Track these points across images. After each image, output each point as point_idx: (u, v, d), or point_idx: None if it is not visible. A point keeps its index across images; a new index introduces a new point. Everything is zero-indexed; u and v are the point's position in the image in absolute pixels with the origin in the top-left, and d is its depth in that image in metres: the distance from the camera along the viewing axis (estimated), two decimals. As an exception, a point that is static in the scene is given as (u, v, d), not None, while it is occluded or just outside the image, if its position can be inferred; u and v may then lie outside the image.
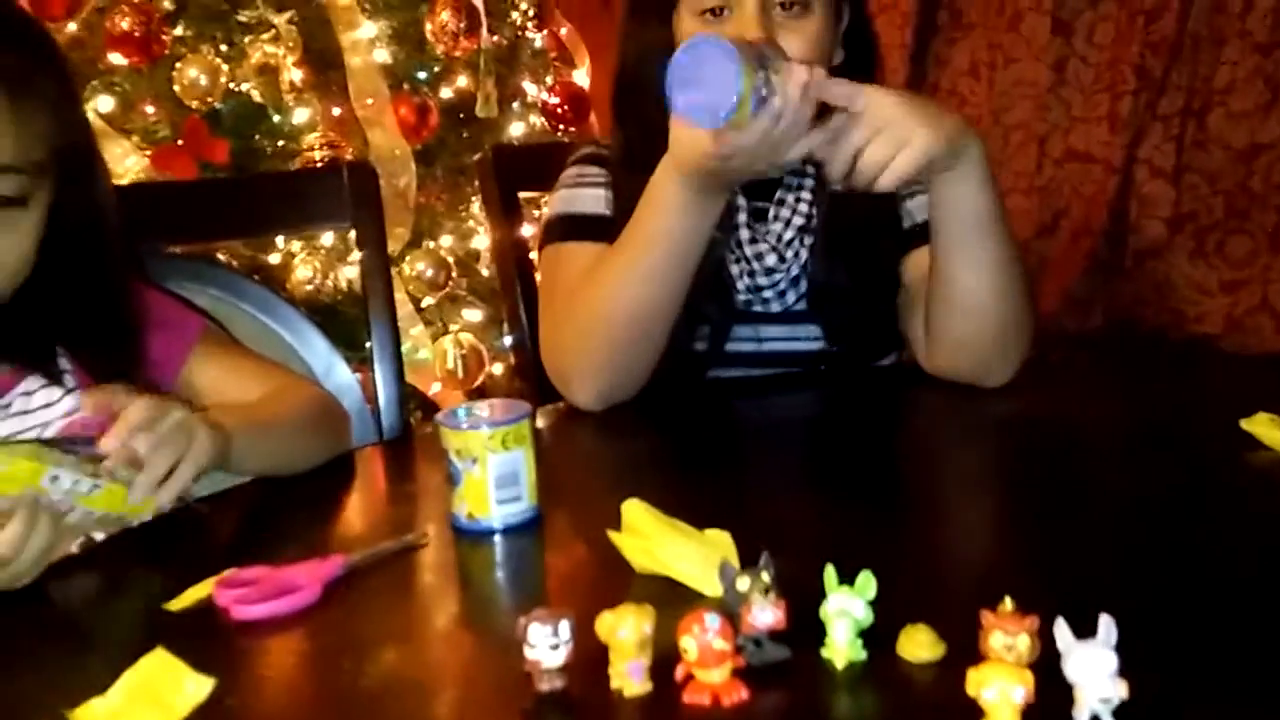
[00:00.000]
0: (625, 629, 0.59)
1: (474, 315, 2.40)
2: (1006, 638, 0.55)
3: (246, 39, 2.18)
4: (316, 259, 2.20)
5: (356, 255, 1.38)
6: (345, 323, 1.93)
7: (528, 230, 1.63)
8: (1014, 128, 2.63)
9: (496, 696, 0.63)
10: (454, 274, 2.32)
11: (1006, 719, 0.53)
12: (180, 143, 2.12)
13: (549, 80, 2.53)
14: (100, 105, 2.11)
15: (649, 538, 0.75)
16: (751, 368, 1.26)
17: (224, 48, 2.18)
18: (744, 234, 1.25)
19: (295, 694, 0.67)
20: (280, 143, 2.20)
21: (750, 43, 0.97)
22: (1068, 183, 2.56)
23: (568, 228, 1.25)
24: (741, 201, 1.25)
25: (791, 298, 1.26)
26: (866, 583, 0.61)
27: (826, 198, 1.24)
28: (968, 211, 1.07)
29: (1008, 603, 0.56)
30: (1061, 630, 0.54)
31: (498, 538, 0.84)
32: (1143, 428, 1.07)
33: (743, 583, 0.61)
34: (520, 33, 2.52)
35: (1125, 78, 2.46)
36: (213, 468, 0.89)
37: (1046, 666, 0.54)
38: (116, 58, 2.12)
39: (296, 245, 2.21)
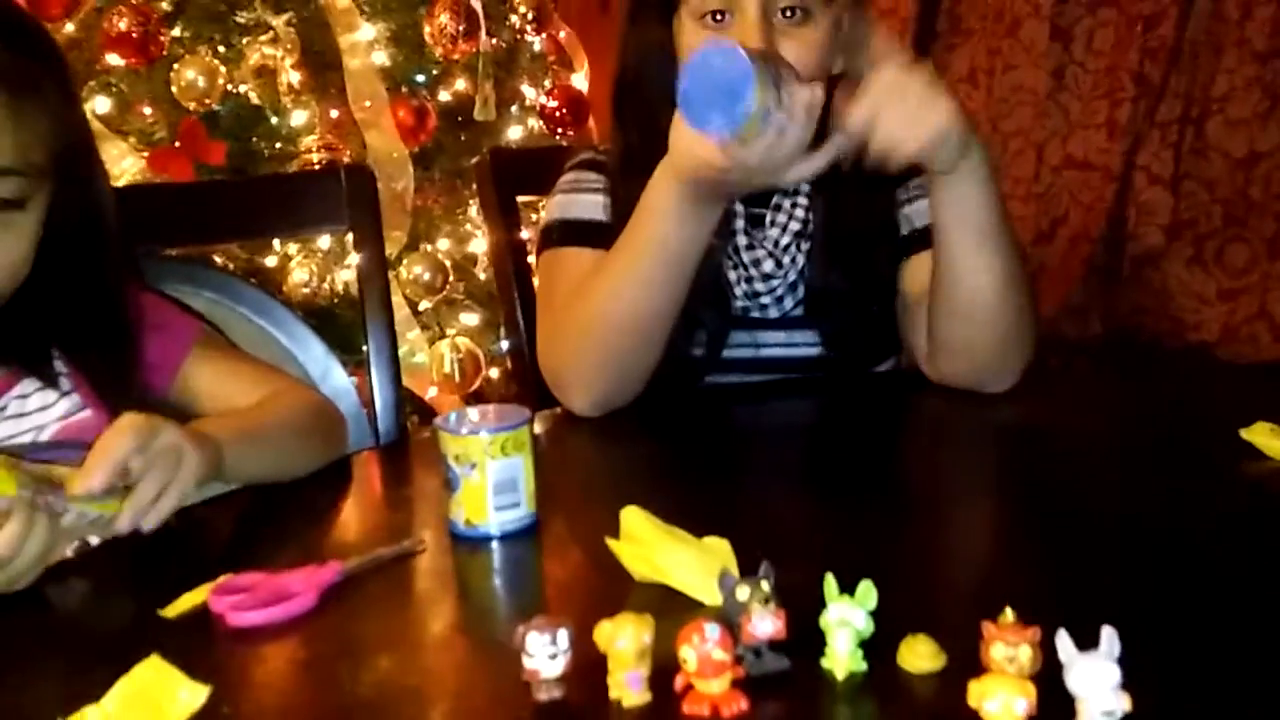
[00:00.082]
0: (624, 638, 0.59)
1: (471, 319, 2.39)
2: (1008, 649, 0.55)
3: (244, 40, 2.18)
4: (313, 262, 2.19)
5: (353, 258, 1.38)
6: (342, 326, 1.93)
7: (525, 234, 1.62)
8: (1012, 134, 2.64)
9: (494, 706, 0.63)
10: (451, 278, 2.32)
11: (1008, 731, 0.53)
12: (177, 144, 2.12)
13: (547, 84, 2.52)
14: (97, 106, 2.11)
15: (648, 545, 0.74)
16: (749, 374, 1.26)
17: (222, 49, 2.18)
18: (741, 240, 1.24)
19: (291, 702, 0.67)
20: (278, 145, 2.19)
21: (766, 57, 0.96)
22: (1066, 190, 2.56)
23: (565, 233, 1.25)
24: (738, 208, 1.24)
25: (789, 303, 1.26)
26: (867, 592, 0.61)
27: (823, 203, 1.24)
28: (971, 213, 1.06)
29: (1009, 613, 0.56)
30: (1064, 642, 0.54)
31: (495, 545, 0.84)
32: (1143, 437, 1.07)
33: (742, 592, 0.61)
34: (519, 36, 2.51)
35: (1124, 85, 2.47)
36: (203, 484, 0.88)
37: (1048, 678, 0.54)
38: (114, 58, 2.12)
39: (293, 248, 2.20)
